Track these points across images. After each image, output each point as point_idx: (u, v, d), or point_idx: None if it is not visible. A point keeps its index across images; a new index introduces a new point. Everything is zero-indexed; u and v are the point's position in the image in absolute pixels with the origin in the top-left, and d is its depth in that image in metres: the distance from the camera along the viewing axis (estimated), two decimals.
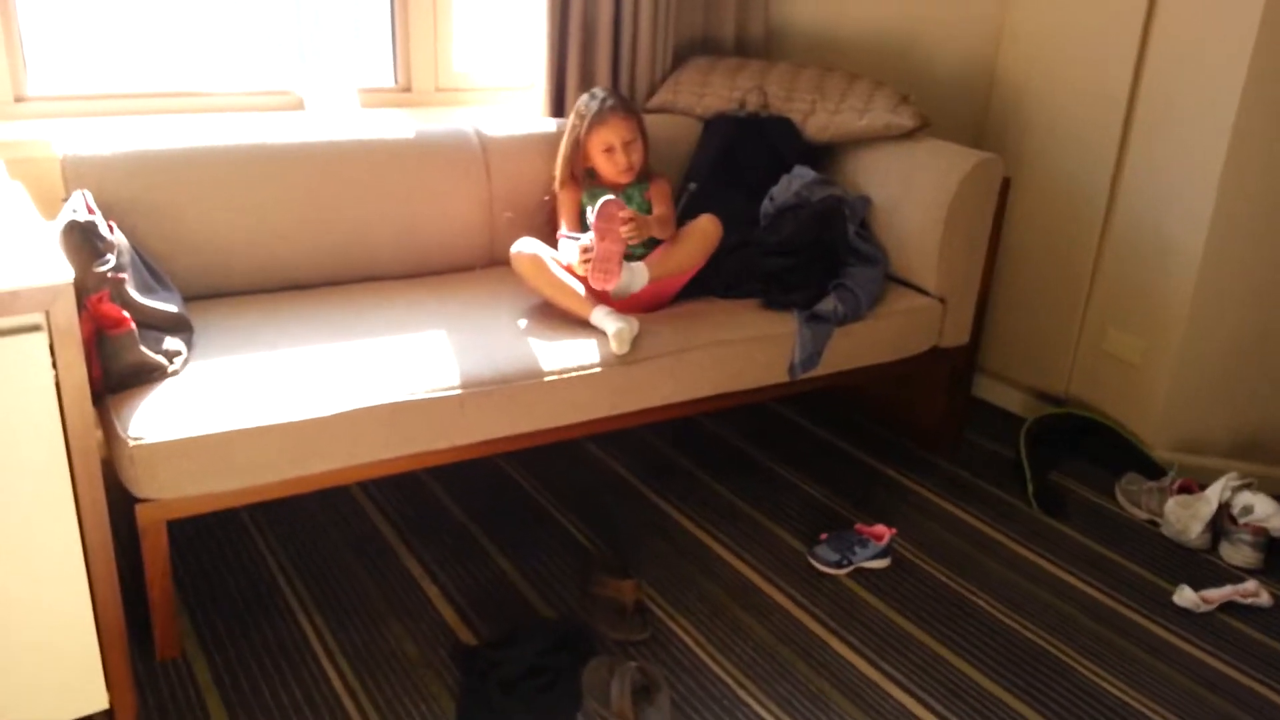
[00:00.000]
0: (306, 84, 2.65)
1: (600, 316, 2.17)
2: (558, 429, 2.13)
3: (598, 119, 2.38)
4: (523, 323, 2.24)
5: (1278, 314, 2.61)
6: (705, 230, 2.35)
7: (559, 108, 2.82)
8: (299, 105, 2.66)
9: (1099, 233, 2.82)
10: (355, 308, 2.26)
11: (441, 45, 2.84)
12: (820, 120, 2.77)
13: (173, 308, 1.96)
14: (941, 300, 2.61)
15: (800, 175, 2.63)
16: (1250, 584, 2.27)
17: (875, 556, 2.29)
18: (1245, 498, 2.41)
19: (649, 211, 2.47)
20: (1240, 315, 2.63)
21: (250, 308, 2.23)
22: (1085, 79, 2.79)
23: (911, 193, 2.59)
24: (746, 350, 2.30)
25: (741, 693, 1.90)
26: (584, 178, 2.46)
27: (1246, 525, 2.38)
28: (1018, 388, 3.11)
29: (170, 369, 1.87)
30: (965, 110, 3.14)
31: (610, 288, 2.22)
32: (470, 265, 2.58)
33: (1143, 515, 2.57)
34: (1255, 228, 2.55)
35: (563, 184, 2.48)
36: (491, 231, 2.58)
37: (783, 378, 2.39)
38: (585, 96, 2.45)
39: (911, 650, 2.04)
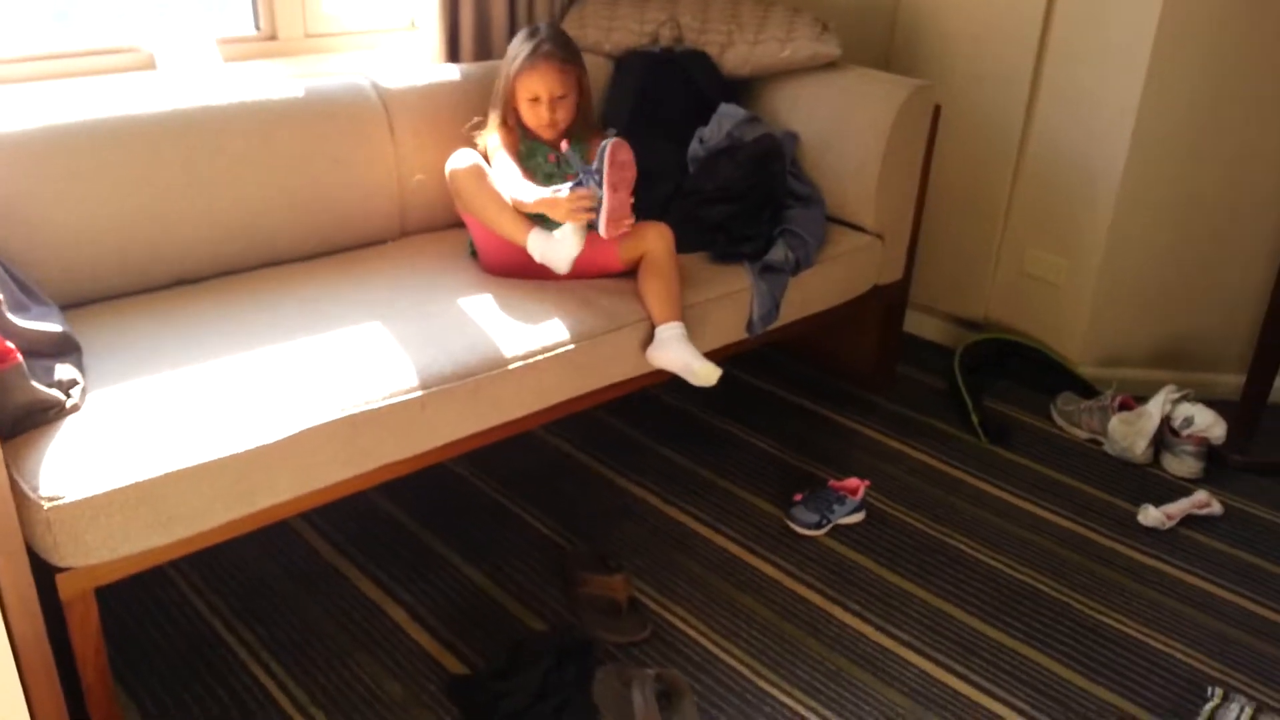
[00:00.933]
0: (155, 37, 2.25)
1: (539, 237, 1.99)
2: (522, 419, 1.92)
3: (528, 63, 2.11)
4: (462, 300, 1.99)
5: (1192, 226, 2.66)
6: (663, 259, 2.09)
7: (454, 51, 2.53)
8: (149, 64, 2.26)
9: (1015, 156, 2.79)
10: (262, 301, 1.95)
11: None
12: (739, 53, 2.59)
13: (55, 326, 1.62)
14: (880, 236, 2.51)
15: (730, 114, 2.46)
16: (1201, 495, 2.32)
17: (852, 512, 2.21)
18: (1185, 409, 2.46)
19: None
20: (1157, 229, 2.67)
21: (138, 313, 1.88)
22: (994, 2, 2.72)
23: (844, 126, 2.46)
24: (706, 311, 2.13)
25: (762, 683, 1.78)
26: (517, 125, 2.20)
27: (1189, 436, 2.43)
28: (937, 316, 3.09)
29: (69, 403, 1.54)
30: (869, 35, 3.02)
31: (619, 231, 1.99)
32: (382, 238, 2.29)
33: (1083, 435, 2.60)
34: (1173, 145, 2.57)
35: (500, 126, 2.20)
36: (402, 198, 2.29)
37: (739, 335, 2.25)
38: (523, 33, 2.16)
39: (913, 609, 1.98)
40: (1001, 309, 2.96)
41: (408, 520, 2.17)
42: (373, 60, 2.54)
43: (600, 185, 1.92)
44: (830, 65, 2.57)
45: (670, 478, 2.35)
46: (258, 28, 2.46)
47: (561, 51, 2.14)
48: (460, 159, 2.09)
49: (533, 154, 2.19)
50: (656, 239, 2.09)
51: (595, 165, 1.93)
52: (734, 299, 2.19)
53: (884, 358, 2.77)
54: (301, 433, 1.58)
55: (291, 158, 2.10)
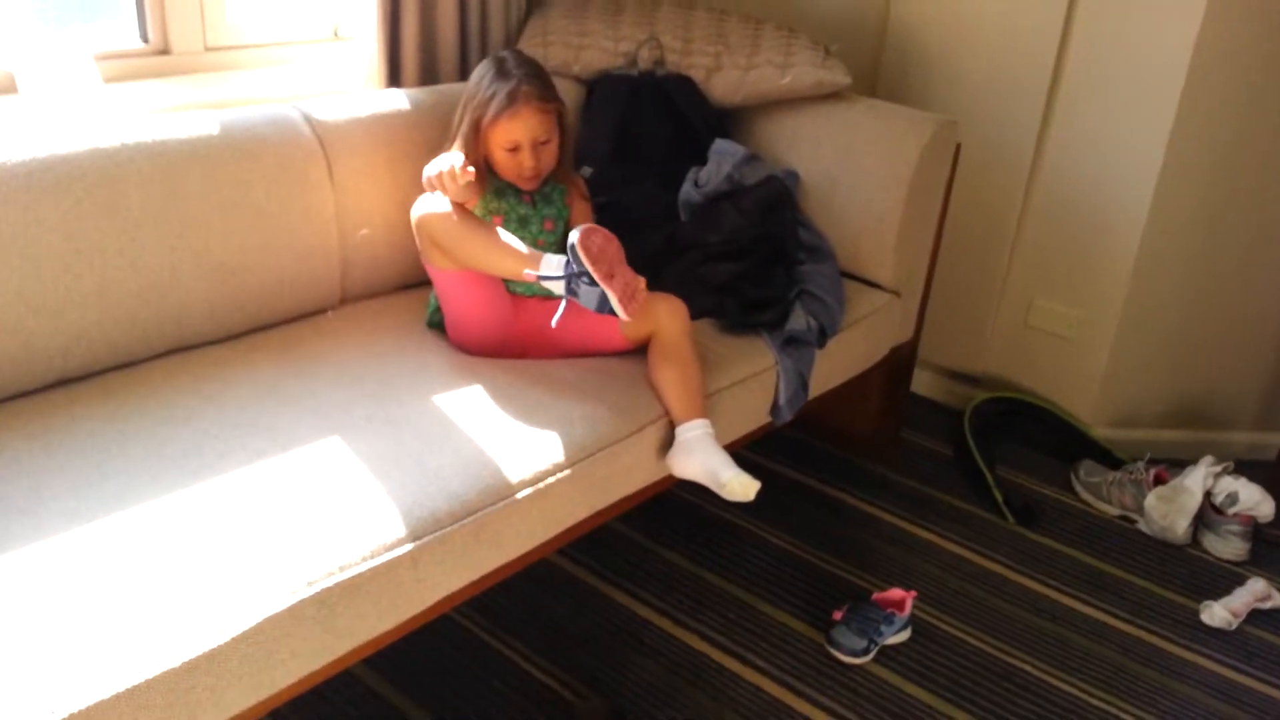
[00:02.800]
0: (14, 52, 1.74)
1: (553, 261, 1.59)
2: (526, 555, 1.51)
3: (506, 108, 1.69)
4: (439, 398, 1.57)
5: (1216, 273, 2.44)
6: (678, 342, 1.72)
7: (395, 71, 2.09)
8: (7, 86, 1.75)
9: (1022, 196, 2.52)
10: (174, 408, 1.48)
11: None
12: (729, 78, 2.23)
13: None
14: (897, 294, 2.20)
15: (729, 153, 2.09)
16: (1259, 585, 2.09)
17: (899, 630, 1.88)
18: (1227, 484, 2.23)
19: (565, 223, 1.86)
20: (1182, 279, 2.44)
21: (9, 432, 1.39)
22: (1002, 20, 2.43)
23: (857, 166, 2.13)
24: (724, 399, 1.76)
25: None
26: (485, 168, 1.79)
27: (1235, 515, 2.20)
28: (930, 369, 2.79)
29: None
30: (853, 58, 2.70)
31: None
32: (320, 308, 1.84)
33: (1114, 511, 2.35)
34: (1202, 185, 2.33)
35: None
36: (343, 257, 1.84)
37: (761, 421, 1.89)
38: (490, 66, 1.75)
39: None
40: (1002, 364, 2.69)
41: (388, 690, 1.71)
42: (291, 79, 2.07)
43: (594, 283, 1.53)
44: (833, 95, 2.23)
45: (678, 590, 1.97)
46: (146, 40, 1.98)
47: (542, 91, 1.73)
48: (432, 203, 1.67)
49: (502, 194, 1.79)
50: (669, 318, 1.71)
51: (573, 268, 1.54)
52: (758, 380, 1.83)
53: (888, 424, 2.45)
54: (256, 626, 1.14)
55: (205, 213, 1.63)
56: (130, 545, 1.19)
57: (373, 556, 1.25)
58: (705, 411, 1.65)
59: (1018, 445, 2.56)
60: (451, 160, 1.62)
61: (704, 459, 1.59)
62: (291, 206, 1.73)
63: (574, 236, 1.53)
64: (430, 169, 1.66)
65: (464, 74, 2.18)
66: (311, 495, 1.31)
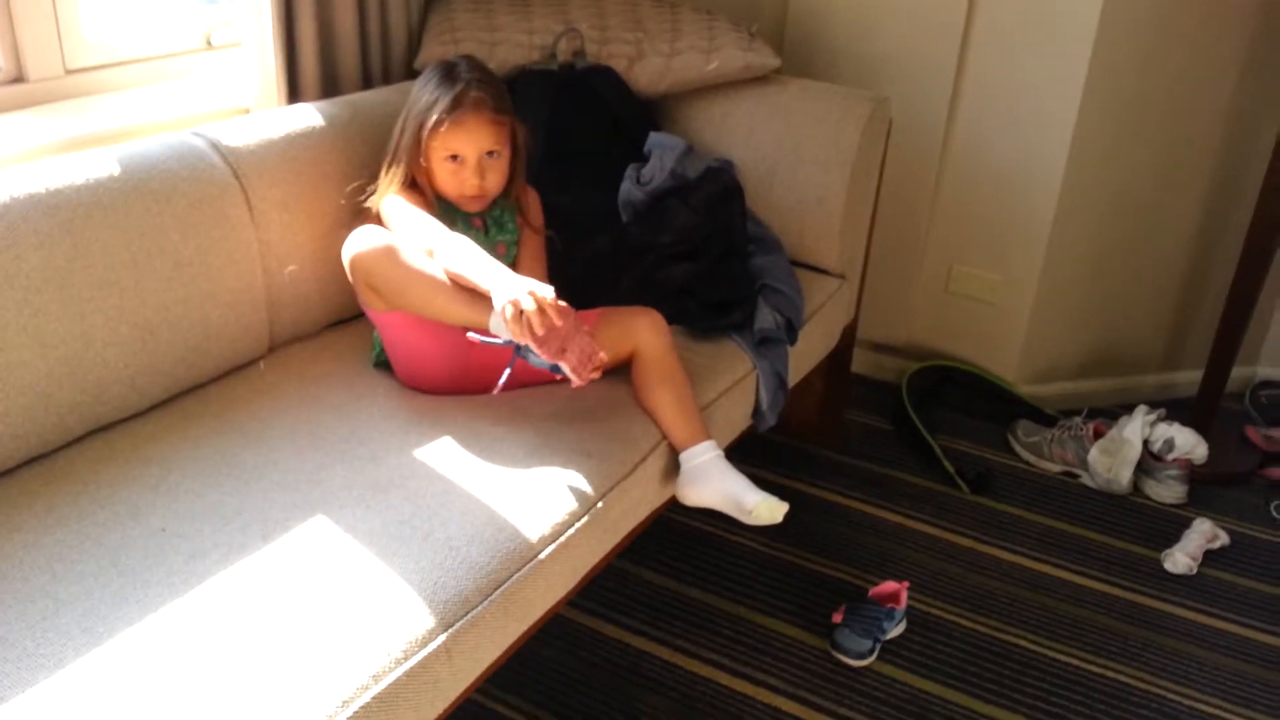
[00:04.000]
0: None
1: (498, 321, 1.40)
2: (546, 614, 1.37)
3: (449, 114, 1.52)
4: (418, 452, 1.40)
5: (1124, 226, 2.50)
6: (663, 359, 1.59)
7: (293, 83, 1.86)
8: None
9: (937, 164, 2.51)
10: (118, 502, 1.27)
11: (66, 3, 1.73)
12: (653, 66, 2.11)
13: None
14: (843, 277, 2.15)
15: (668, 146, 1.98)
16: (1206, 525, 2.17)
17: (898, 623, 1.84)
18: (1163, 431, 2.29)
19: (516, 247, 1.71)
20: (1094, 235, 2.49)
21: None
22: None
23: (794, 150, 2.06)
24: (719, 411, 1.67)
25: None
26: (429, 186, 1.61)
27: (1174, 460, 2.28)
28: (857, 344, 2.77)
29: None
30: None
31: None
32: (249, 359, 1.62)
33: (1056, 468, 2.39)
34: (1110, 142, 2.38)
35: (402, 188, 1.59)
36: (270, 299, 1.63)
37: (742, 428, 1.81)
38: (436, 70, 1.57)
39: None
40: (925, 332, 2.69)
41: None
42: (173, 99, 1.83)
43: (547, 361, 1.40)
44: (760, 78, 2.15)
45: (666, 613, 1.87)
46: None
47: (494, 100, 1.57)
48: (365, 239, 1.48)
49: (450, 217, 1.62)
50: (650, 335, 1.58)
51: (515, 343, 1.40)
52: (739, 388, 1.74)
53: (832, 407, 2.41)
54: None
55: (114, 269, 1.40)
56: (113, 692, 1.00)
57: (406, 658, 1.09)
58: (708, 431, 1.54)
59: (949, 412, 2.58)
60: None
61: (721, 485, 1.49)
62: (211, 250, 1.51)
63: (502, 310, 1.34)
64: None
65: (366, 80, 1.98)
66: (316, 593, 1.14)
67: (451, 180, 1.59)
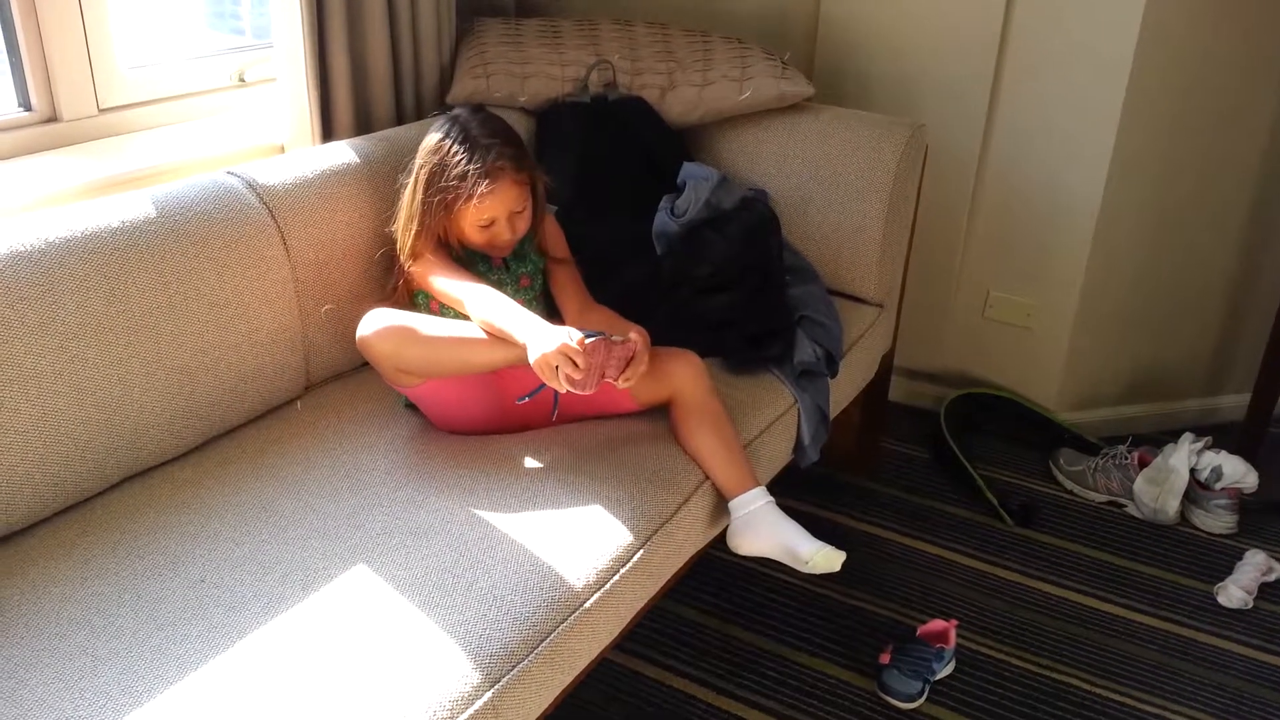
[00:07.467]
0: None
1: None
2: (591, 663, 1.34)
3: (486, 183, 1.49)
4: (457, 496, 1.38)
5: (1164, 250, 2.46)
6: (704, 402, 1.56)
7: (326, 118, 1.85)
8: None
9: (971, 190, 2.47)
10: (156, 552, 1.25)
11: (99, 42, 1.73)
12: (685, 96, 2.09)
13: None
14: (881, 306, 2.11)
15: (702, 176, 1.96)
16: (1260, 557, 2.11)
17: (948, 663, 1.80)
18: (1210, 459, 2.24)
19: (542, 274, 1.69)
20: (1133, 260, 2.44)
21: None
22: (940, 12, 2.36)
23: (830, 178, 2.03)
24: (762, 449, 1.63)
25: None
26: (456, 242, 1.59)
27: (1222, 490, 2.22)
28: (893, 372, 2.73)
29: None
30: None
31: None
32: (286, 399, 1.61)
33: (1100, 497, 2.33)
34: (1150, 161, 2.33)
35: (416, 255, 1.56)
36: (306, 339, 1.61)
37: (782, 464, 1.77)
38: (453, 130, 1.53)
39: None
40: (961, 359, 2.65)
41: None
42: (206, 138, 1.82)
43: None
44: (793, 106, 2.12)
45: (709, 653, 1.83)
46: (29, 107, 1.70)
47: (517, 160, 1.54)
48: (378, 327, 1.41)
49: (471, 262, 1.60)
50: (687, 375, 1.55)
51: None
52: (781, 423, 1.70)
53: (869, 436, 2.37)
54: None
55: (151, 313, 1.38)
56: None
57: (453, 717, 1.06)
58: (755, 476, 1.51)
59: (989, 440, 2.53)
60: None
61: (775, 534, 1.45)
62: (247, 291, 1.49)
63: (537, 367, 1.35)
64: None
65: (399, 115, 1.97)
66: (358, 648, 1.11)
67: (483, 235, 1.56)
